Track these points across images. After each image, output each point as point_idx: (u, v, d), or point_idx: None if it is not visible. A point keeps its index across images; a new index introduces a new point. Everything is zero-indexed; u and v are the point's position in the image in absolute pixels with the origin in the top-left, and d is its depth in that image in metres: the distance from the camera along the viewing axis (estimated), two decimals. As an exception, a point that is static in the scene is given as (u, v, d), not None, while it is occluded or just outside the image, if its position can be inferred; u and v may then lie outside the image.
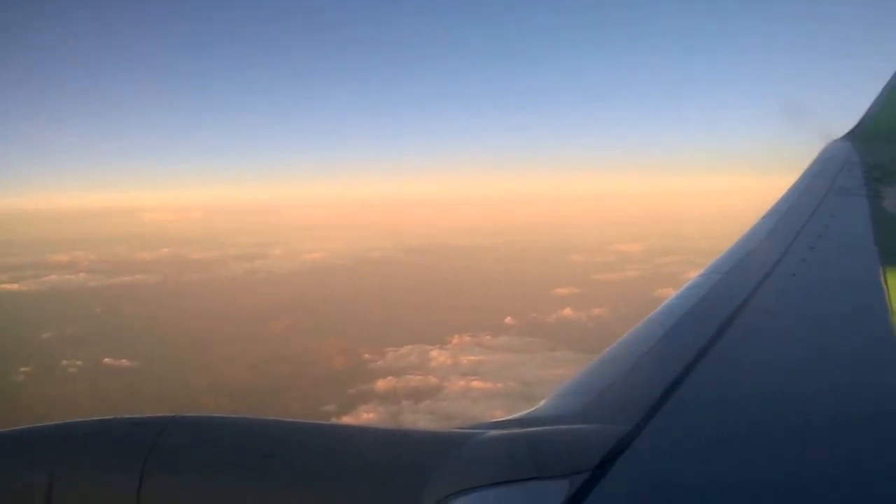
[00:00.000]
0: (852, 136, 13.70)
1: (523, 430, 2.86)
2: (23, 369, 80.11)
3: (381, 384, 72.87)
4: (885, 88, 14.15)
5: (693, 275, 5.74)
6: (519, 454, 2.61)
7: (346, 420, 61.33)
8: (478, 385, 69.74)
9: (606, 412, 3.02)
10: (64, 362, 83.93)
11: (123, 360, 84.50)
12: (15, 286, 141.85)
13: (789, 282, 5.19)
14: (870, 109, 14.17)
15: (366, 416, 63.29)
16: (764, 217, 8.00)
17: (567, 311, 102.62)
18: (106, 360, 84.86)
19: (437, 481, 2.57)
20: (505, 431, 2.87)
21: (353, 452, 2.81)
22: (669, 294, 5.26)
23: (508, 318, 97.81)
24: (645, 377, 3.54)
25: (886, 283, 5.18)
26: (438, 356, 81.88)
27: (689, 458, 2.64)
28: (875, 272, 5.60)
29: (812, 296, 5.09)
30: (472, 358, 79.86)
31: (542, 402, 3.36)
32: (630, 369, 3.69)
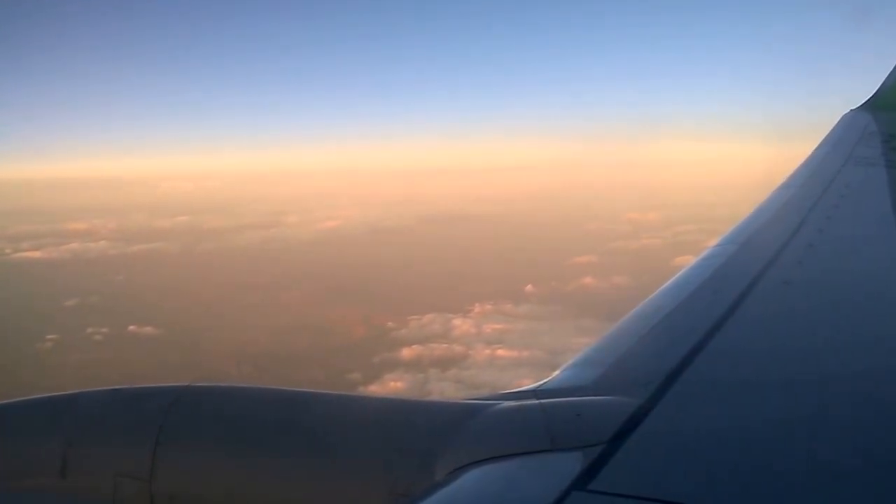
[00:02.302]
0: (870, 105, 13.74)
1: (537, 401, 2.85)
2: (49, 336, 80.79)
3: (405, 352, 73.01)
4: None
5: (712, 243, 5.75)
6: (533, 425, 2.60)
7: (374, 389, 61.81)
8: (503, 353, 69.79)
9: (621, 383, 3.00)
10: (89, 329, 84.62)
11: (148, 328, 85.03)
12: (37, 254, 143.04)
13: (806, 252, 5.14)
14: (888, 79, 14.18)
15: (393, 384, 63.59)
16: (781, 186, 8.00)
17: (587, 280, 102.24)
18: (131, 327, 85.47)
19: (451, 452, 2.56)
20: (519, 402, 2.86)
21: (367, 422, 2.81)
22: (689, 262, 5.26)
23: (529, 286, 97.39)
24: (660, 348, 3.50)
25: None
26: (462, 325, 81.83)
27: (704, 431, 2.61)
28: (893, 241, 5.63)
29: (829, 266, 5.04)
30: (495, 326, 79.75)
31: (556, 373, 3.36)
32: (645, 340, 3.67)
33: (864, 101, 14.09)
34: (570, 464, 2.31)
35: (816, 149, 10.47)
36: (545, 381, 3.24)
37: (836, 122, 12.95)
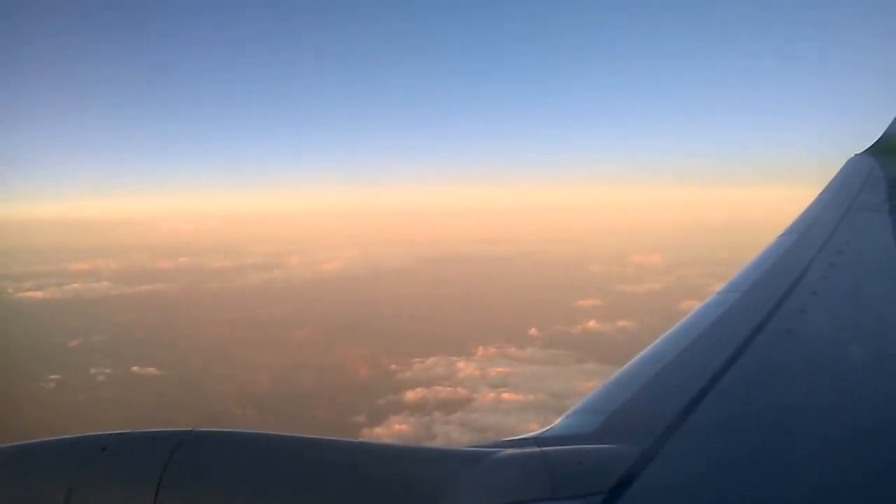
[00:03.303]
0: (875, 150, 13.48)
1: (539, 449, 2.86)
2: (52, 377, 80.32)
3: (410, 395, 72.43)
4: None
5: (716, 287, 5.76)
6: (535, 474, 2.61)
7: (379, 431, 61.23)
8: (509, 397, 69.12)
9: (623, 431, 3.02)
10: (93, 370, 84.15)
11: (151, 369, 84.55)
12: (39, 294, 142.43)
13: (810, 300, 5.11)
14: (893, 124, 13.96)
15: (398, 427, 63.07)
16: (784, 233, 7.91)
17: (592, 323, 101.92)
18: (134, 368, 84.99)
19: (452, 500, 2.56)
20: (520, 450, 2.87)
21: (367, 470, 2.80)
22: (695, 306, 5.27)
23: (532, 329, 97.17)
24: (662, 397, 3.50)
25: None
26: (466, 367, 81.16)
27: (706, 480, 2.61)
28: None
29: (834, 314, 5.00)
30: (500, 369, 79.08)
31: (558, 421, 3.35)
32: (647, 389, 3.66)
33: (868, 146, 13.81)
34: None
35: (821, 194, 10.35)
36: (547, 428, 3.25)
37: (840, 166, 12.80)
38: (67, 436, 3.05)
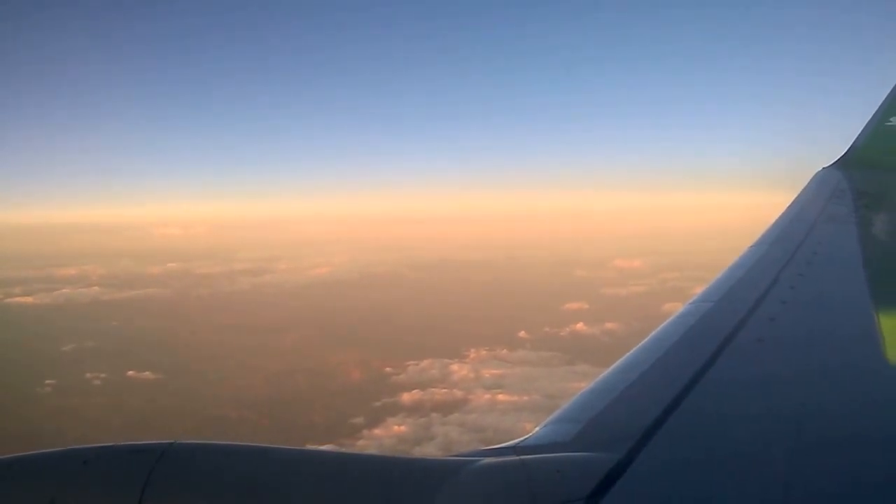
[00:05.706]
0: (842, 163, 13.67)
1: (517, 457, 2.91)
2: (48, 381, 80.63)
3: (406, 397, 73.47)
4: (874, 115, 14.12)
5: (696, 290, 6.05)
6: (512, 483, 2.66)
7: (378, 433, 62.25)
8: (504, 398, 70.27)
9: (600, 439, 3.10)
10: (88, 375, 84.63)
11: (147, 373, 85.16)
12: (29, 299, 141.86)
13: (779, 309, 5.23)
14: (859, 136, 14.11)
15: (396, 429, 64.17)
16: (754, 244, 8.03)
17: (580, 326, 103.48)
18: (129, 372, 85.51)
19: None
20: (498, 459, 2.92)
21: (349, 481, 2.80)
22: (677, 309, 5.45)
23: (522, 332, 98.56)
24: (639, 405, 3.57)
25: (876, 311, 5.25)
26: (459, 370, 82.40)
27: (680, 487, 2.69)
28: (864, 299, 5.74)
29: (802, 324, 5.11)
30: (493, 371, 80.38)
31: (536, 429, 3.40)
32: (624, 397, 3.74)
33: (836, 159, 13.91)
34: None
35: (789, 206, 10.53)
36: (525, 437, 3.30)
37: (809, 175, 13.04)
38: (48, 450, 2.99)
